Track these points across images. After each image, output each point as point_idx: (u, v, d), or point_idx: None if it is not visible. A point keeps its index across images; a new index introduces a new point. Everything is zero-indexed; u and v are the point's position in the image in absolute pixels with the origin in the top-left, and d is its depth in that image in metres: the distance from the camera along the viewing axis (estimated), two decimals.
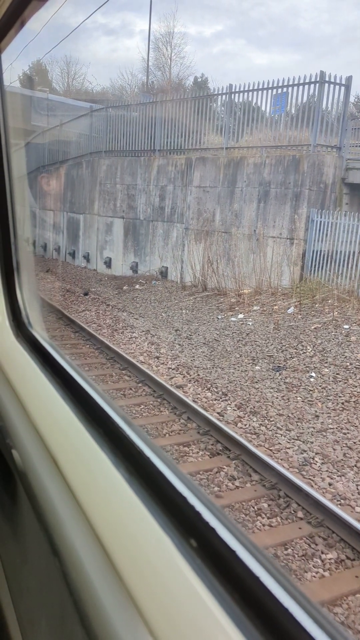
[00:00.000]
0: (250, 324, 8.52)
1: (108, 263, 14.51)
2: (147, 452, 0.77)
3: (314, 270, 9.86)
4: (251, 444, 4.39)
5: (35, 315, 1.52)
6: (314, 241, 9.88)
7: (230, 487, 3.86)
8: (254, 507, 3.61)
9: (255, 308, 9.36)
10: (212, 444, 4.51)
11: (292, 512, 3.57)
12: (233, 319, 8.99)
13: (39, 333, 1.43)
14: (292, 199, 10.19)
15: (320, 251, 9.81)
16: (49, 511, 0.84)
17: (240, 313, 9.26)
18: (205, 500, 0.65)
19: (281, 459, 4.28)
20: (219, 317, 9.27)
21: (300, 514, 3.53)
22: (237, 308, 9.62)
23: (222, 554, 0.57)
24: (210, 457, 4.31)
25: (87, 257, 15.56)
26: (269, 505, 3.65)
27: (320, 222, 9.78)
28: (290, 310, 8.81)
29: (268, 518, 3.49)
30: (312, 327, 7.83)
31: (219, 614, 0.52)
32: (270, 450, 4.44)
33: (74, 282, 13.22)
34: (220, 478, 3.98)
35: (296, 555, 3.13)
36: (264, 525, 3.42)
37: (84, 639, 0.65)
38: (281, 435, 4.70)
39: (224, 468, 4.11)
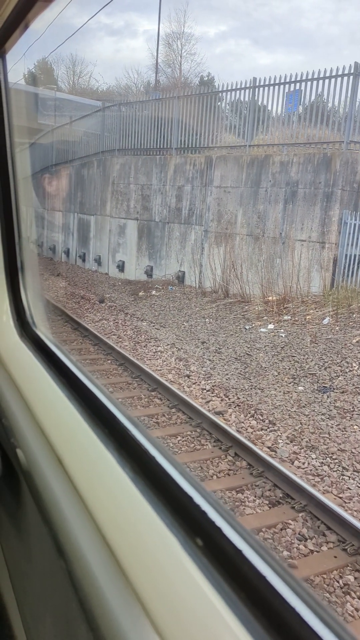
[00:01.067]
0: (283, 335, 7.84)
1: (121, 267, 13.85)
2: (152, 451, 0.75)
3: (348, 276, 9.18)
4: (316, 490, 3.72)
5: (40, 315, 1.51)
6: (348, 245, 9.19)
7: (302, 551, 3.19)
8: (338, 582, 2.93)
9: (285, 317, 8.68)
10: (270, 490, 3.84)
11: None
12: (263, 329, 8.31)
13: (43, 333, 1.42)
14: (323, 200, 9.50)
15: (355, 256, 9.13)
16: (54, 511, 0.84)
17: (270, 323, 8.58)
18: (210, 500, 0.64)
19: (357, 511, 3.60)
20: (247, 327, 8.59)
21: None
22: (265, 317, 8.94)
23: (228, 553, 0.57)
24: (270, 508, 3.64)
25: (98, 261, 14.91)
26: (355, 578, 2.97)
27: (355, 224, 9.10)
28: (325, 321, 8.12)
29: None
30: (354, 341, 7.14)
31: (225, 612, 0.52)
32: (341, 498, 3.76)
33: (87, 287, 12.56)
34: (287, 537, 3.31)
35: None
36: (356, 609, 2.74)
37: (89, 638, 0.65)
38: (349, 477, 4.03)
39: (290, 523, 3.44)
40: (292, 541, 3.28)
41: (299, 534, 3.35)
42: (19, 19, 1.13)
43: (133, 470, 0.76)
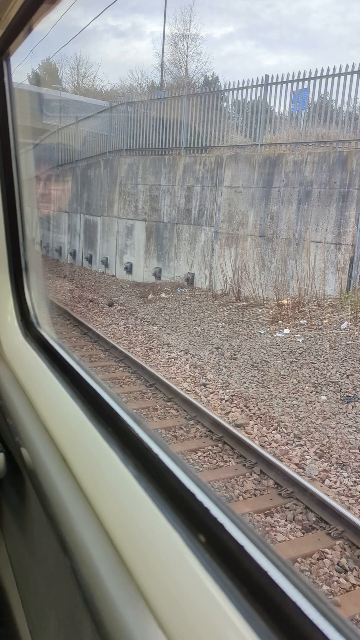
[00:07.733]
0: (300, 341, 7.55)
1: (129, 269, 13.59)
2: (155, 449, 0.76)
3: None
4: (352, 514, 3.44)
5: (44, 314, 1.52)
6: None
7: (344, 585, 2.91)
8: None
9: (301, 321, 8.39)
10: (302, 513, 3.56)
11: None
12: (279, 334, 8.02)
13: (47, 332, 1.42)
14: (339, 200, 9.21)
15: None
16: (58, 509, 0.84)
17: (286, 327, 8.29)
18: (213, 497, 0.64)
19: None
20: (262, 331, 8.31)
21: None
22: (280, 321, 8.66)
23: (231, 549, 0.57)
24: (304, 534, 3.36)
25: (105, 262, 14.66)
26: None
27: None
28: (344, 325, 7.83)
29: None
30: None
31: (227, 607, 0.52)
32: None
33: (94, 289, 12.31)
34: (325, 569, 3.03)
35: None
36: None
37: (93, 633, 0.65)
38: None
39: (327, 552, 3.16)
40: (331, 573, 3.00)
41: (338, 564, 3.07)
42: (24, 21, 1.12)
43: (136, 468, 0.77)
